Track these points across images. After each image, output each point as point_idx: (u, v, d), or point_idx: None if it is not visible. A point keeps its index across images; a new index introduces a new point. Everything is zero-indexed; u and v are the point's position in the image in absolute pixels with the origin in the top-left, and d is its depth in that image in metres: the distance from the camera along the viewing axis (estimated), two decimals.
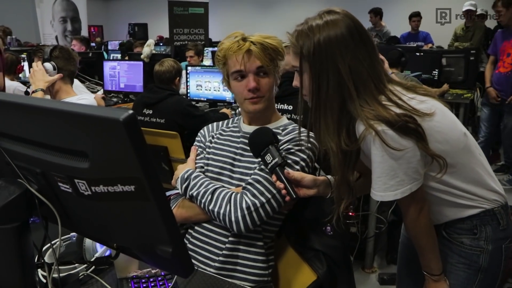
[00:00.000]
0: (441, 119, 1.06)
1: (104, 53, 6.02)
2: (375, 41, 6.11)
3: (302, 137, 1.24)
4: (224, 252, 1.22)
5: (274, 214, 1.21)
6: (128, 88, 3.90)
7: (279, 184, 1.11)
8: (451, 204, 1.12)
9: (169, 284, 0.98)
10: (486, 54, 4.41)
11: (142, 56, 4.26)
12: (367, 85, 1.02)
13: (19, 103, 0.67)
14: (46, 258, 1.01)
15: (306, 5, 9.86)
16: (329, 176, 1.20)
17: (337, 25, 1.02)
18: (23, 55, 4.46)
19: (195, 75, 3.56)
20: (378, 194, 1.05)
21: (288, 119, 1.40)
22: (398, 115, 0.99)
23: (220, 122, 1.43)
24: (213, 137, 1.37)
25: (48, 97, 2.05)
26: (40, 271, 0.94)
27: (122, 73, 3.91)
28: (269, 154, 1.11)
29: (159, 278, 0.98)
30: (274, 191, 1.18)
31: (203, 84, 3.53)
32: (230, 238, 1.22)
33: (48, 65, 1.99)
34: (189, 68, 3.61)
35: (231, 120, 1.43)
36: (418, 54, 4.30)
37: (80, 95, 2.19)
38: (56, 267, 0.74)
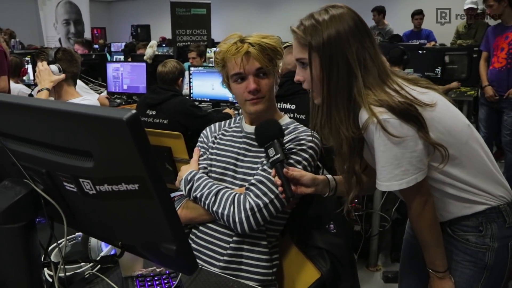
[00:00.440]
0: (443, 110, 1.07)
1: (107, 55, 6.05)
2: (378, 39, 6.10)
3: (304, 136, 1.24)
4: (228, 251, 1.23)
5: (278, 213, 1.22)
6: (131, 89, 3.93)
7: (277, 180, 1.12)
8: (456, 199, 1.11)
9: (174, 283, 0.99)
10: None
11: (145, 58, 4.27)
12: (372, 72, 1.05)
13: (24, 105, 0.69)
14: (52, 258, 1.02)
15: (308, 5, 9.85)
16: (329, 176, 1.20)
17: (344, 18, 1.05)
18: (27, 58, 4.49)
19: (198, 76, 3.58)
20: (383, 184, 1.05)
21: (291, 118, 1.40)
22: (400, 101, 1.01)
23: (223, 122, 1.44)
24: (215, 138, 1.38)
25: (52, 98, 2.07)
26: (46, 270, 0.96)
27: (125, 75, 3.93)
28: (272, 148, 1.12)
29: (163, 277, 0.99)
30: (277, 192, 1.18)
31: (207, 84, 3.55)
32: (234, 238, 1.23)
33: (54, 67, 2.01)
34: (191, 68, 3.63)
35: (233, 120, 1.43)
36: (420, 52, 4.29)
37: (84, 96, 2.21)
38: (62, 266, 0.75)
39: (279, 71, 1.32)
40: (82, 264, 1.02)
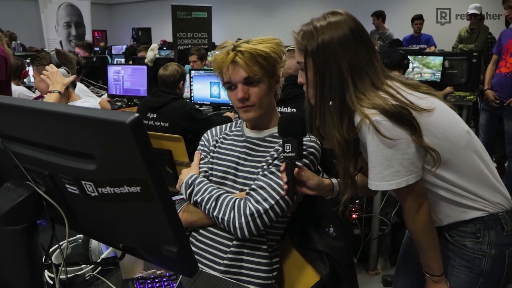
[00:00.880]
0: (441, 115, 1.07)
1: (108, 58, 6.07)
2: (378, 44, 6.11)
3: (305, 142, 1.25)
4: (228, 255, 1.23)
5: (278, 218, 1.22)
6: (132, 92, 3.93)
7: (283, 176, 1.13)
8: (452, 203, 1.11)
9: (174, 285, 0.99)
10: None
11: (146, 61, 4.29)
12: (365, 79, 1.07)
13: (27, 107, 0.69)
14: (53, 259, 1.02)
15: (308, 8, 9.88)
16: (334, 181, 1.21)
17: (340, 26, 1.07)
18: (28, 60, 4.50)
19: (199, 79, 3.59)
20: (374, 183, 1.07)
21: None
22: (394, 105, 1.02)
23: (224, 126, 1.44)
24: (217, 142, 1.38)
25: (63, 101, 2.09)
26: (46, 272, 0.96)
27: (126, 77, 3.94)
28: (290, 144, 1.12)
29: (164, 279, 1.00)
30: (278, 197, 1.19)
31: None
32: (235, 242, 1.23)
33: (62, 70, 2.00)
34: (192, 72, 3.64)
35: (234, 123, 1.44)
36: (420, 56, 4.31)
37: (84, 99, 2.20)
38: (63, 268, 0.76)
39: (280, 75, 1.31)
40: (82, 266, 1.02)
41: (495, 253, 1.12)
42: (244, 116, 1.29)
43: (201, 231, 1.30)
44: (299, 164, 1.16)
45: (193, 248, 1.29)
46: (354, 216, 2.43)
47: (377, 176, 1.05)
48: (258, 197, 1.18)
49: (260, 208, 1.17)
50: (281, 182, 1.16)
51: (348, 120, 1.09)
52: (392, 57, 3.78)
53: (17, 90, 3.42)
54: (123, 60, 6.00)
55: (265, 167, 1.24)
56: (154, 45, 4.50)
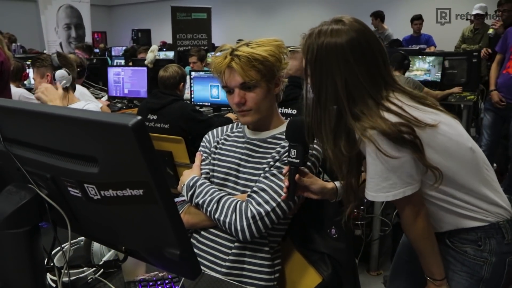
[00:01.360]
0: (445, 132, 1.06)
1: (108, 59, 6.07)
2: None
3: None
4: (230, 257, 1.23)
5: (280, 220, 1.22)
6: (132, 93, 3.94)
7: (285, 180, 1.13)
8: (454, 213, 1.12)
9: (176, 287, 0.99)
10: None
11: (146, 62, 4.29)
12: (364, 97, 1.05)
13: (29, 110, 0.69)
14: (55, 261, 1.02)
15: (308, 9, 9.90)
16: (337, 184, 1.21)
17: (340, 42, 1.04)
18: (28, 62, 4.50)
19: (199, 80, 3.59)
20: (370, 194, 1.08)
21: None
22: (394, 124, 1.00)
23: (225, 127, 1.44)
24: (218, 143, 1.38)
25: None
26: (49, 275, 0.96)
27: (126, 79, 3.94)
28: (296, 150, 1.11)
29: (166, 281, 1.00)
30: (279, 200, 1.18)
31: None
32: (236, 244, 1.23)
33: (62, 72, 2.00)
34: (192, 73, 3.64)
35: (235, 124, 1.43)
36: (420, 56, 4.31)
37: (85, 102, 2.19)
38: (66, 270, 0.76)
39: (281, 78, 1.30)
40: (85, 268, 1.02)
41: (495, 261, 1.12)
42: (242, 120, 1.30)
43: (202, 233, 1.30)
44: (302, 169, 1.16)
45: (195, 250, 1.29)
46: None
47: (374, 188, 1.06)
48: (260, 200, 1.18)
49: (261, 210, 1.17)
50: (283, 185, 1.16)
51: (346, 136, 1.08)
52: (393, 58, 3.79)
53: (17, 92, 3.42)
54: (123, 62, 6.00)
55: (266, 169, 1.24)
56: (154, 47, 4.51)
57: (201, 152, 1.39)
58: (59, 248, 0.79)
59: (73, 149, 0.65)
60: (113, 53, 8.09)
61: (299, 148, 1.11)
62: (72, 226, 0.74)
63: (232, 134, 1.39)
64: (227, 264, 1.22)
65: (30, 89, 4.11)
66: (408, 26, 6.16)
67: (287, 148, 1.14)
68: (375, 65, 1.07)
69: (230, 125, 1.44)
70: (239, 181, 1.28)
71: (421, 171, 1.04)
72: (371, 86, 1.05)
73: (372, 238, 2.49)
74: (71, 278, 0.97)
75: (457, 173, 1.07)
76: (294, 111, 2.22)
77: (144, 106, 2.75)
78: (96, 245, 1.07)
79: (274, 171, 1.22)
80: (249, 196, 1.21)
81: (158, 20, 11.39)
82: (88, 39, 7.54)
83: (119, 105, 3.91)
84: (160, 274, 1.01)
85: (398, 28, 6.71)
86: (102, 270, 1.02)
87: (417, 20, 6.02)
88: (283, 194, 1.16)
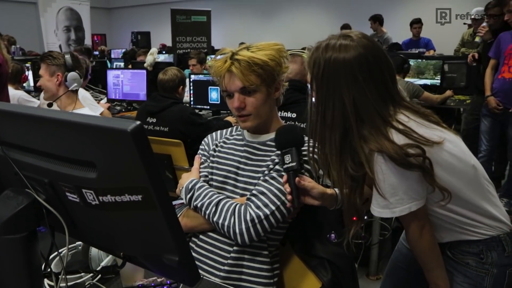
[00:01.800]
0: (450, 149, 1.06)
1: (107, 62, 6.07)
2: None
3: (306, 147, 1.24)
4: (229, 261, 1.22)
5: (279, 224, 1.21)
6: (131, 96, 3.93)
7: (286, 187, 1.12)
8: (456, 227, 1.13)
9: None
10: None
11: (145, 65, 4.29)
12: (373, 118, 1.03)
13: (27, 114, 0.68)
14: (52, 267, 1.01)
15: (307, 12, 9.93)
16: (337, 190, 1.20)
17: (348, 59, 1.02)
18: (28, 64, 4.50)
19: (198, 83, 3.59)
20: (377, 210, 1.08)
21: None
22: (401, 147, 0.99)
23: (224, 130, 1.43)
24: (216, 146, 1.37)
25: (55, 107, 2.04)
26: (46, 281, 0.95)
27: (125, 82, 3.94)
28: (289, 155, 1.11)
29: (164, 287, 0.99)
30: (279, 203, 1.18)
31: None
32: (235, 247, 1.22)
33: (75, 74, 1.95)
34: (192, 76, 3.64)
35: (234, 128, 1.43)
36: (420, 60, 4.32)
37: (87, 108, 2.13)
38: (63, 276, 0.75)
39: (281, 82, 1.29)
40: (82, 274, 1.01)
41: (496, 272, 1.13)
42: (242, 125, 1.29)
43: (201, 236, 1.29)
44: (302, 173, 1.15)
45: (193, 254, 1.28)
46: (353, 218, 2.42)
47: (380, 204, 1.06)
48: (259, 203, 1.18)
49: (260, 214, 1.16)
50: (282, 188, 1.16)
51: (352, 156, 1.06)
52: (393, 61, 3.78)
53: (16, 94, 3.42)
54: (122, 64, 6.00)
55: (266, 172, 1.23)
56: (154, 49, 4.50)
57: (200, 155, 1.39)
58: (56, 253, 0.78)
59: (71, 154, 0.65)
60: (112, 56, 8.09)
61: (292, 151, 1.11)
62: (70, 231, 0.73)
63: (231, 137, 1.39)
64: (226, 268, 1.21)
65: (29, 92, 4.11)
66: (408, 30, 6.18)
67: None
68: (383, 82, 1.05)
69: (229, 129, 1.44)
70: (238, 184, 1.28)
71: (428, 187, 1.05)
72: (379, 104, 1.03)
73: (372, 242, 2.48)
74: (69, 284, 0.96)
75: (461, 190, 1.07)
76: (294, 115, 2.21)
77: (143, 109, 2.75)
78: (94, 250, 1.06)
79: (274, 174, 1.21)
80: (248, 199, 1.20)
81: (158, 23, 11.40)
82: (88, 41, 7.56)
83: (118, 108, 3.90)
84: (159, 280, 1.01)
85: (397, 31, 6.73)
86: (100, 275, 1.01)
87: (416, 24, 6.03)
88: (283, 198, 1.15)
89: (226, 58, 1.23)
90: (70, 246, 1.11)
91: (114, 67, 5.83)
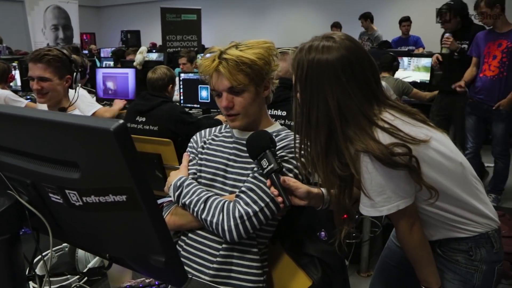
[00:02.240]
0: (437, 147, 1.07)
1: (97, 61, 6.01)
2: (367, 46, 6.13)
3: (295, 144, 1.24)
4: (218, 259, 1.21)
5: (268, 221, 1.21)
6: (120, 95, 3.89)
7: (273, 190, 1.11)
8: (445, 225, 1.14)
9: None
10: None
11: (134, 64, 4.25)
12: (357, 118, 1.03)
13: (8, 114, 0.67)
14: (38, 270, 0.99)
15: (298, 10, 9.93)
16: (324, 190, 1.20)
17: (330, 53, 1.03)
18: (14, 64, 4.44)
19: (188, 82, 3.56)
20: (365, 209, 1.08)
21: (282, 125, 1.39)
22: (387, 147, 0.99)
23: (213, 128, 1.42)
24: (205, 143, 1.37)
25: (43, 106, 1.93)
26: (31, 284, 0.93)
27: (114, 81, 3.90)
28: (265, 159, 1.11)
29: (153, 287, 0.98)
30: (268, 200, 1.17)
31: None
32: (224, 245, 1.21)
33: (78, 75, 1.85)
34: (182, 74, 3.62)
35: (224, 125, 1.42)
36: (409, 58, 4.34)
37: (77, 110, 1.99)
38: (47, 279, 0.73)
39: (270, 81, 1.28)
40: (68, 276, 0.99)
41: (485, 269, 1.14)
42: (231, 125, 1.29)
43: (190, 235, 1.28)
44: (283, 173, 1.15)
45: (183, 253, 1.28)
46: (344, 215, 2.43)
47: (368, 202, 1.06)
48: (248, 200, 1.17)
49: (249, 210, 1.16)
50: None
51: (338, 156, 1.07)
52: (383, 59, 3.81)
53: (2, 94, 3.37)
54: (112, 63, 5.95)
55: (255, 169, 1.23)
56: (143, 48, 4.47)
57: (188, 153, 1.38)
58: (40, 256, 0.76)
59: (53, 154, 0.63)
60: (102, 55, 8.02)
61: (266, 155, 1.11)
62: (54, 233, 0.72)
63: (219, 135, 1.38)
64: (215, 266, 1.21)
65: (16, 91, 4.04)
66: (397, 28, 6.21)
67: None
68: (366, 82, 1.06)
69: (218, 126, 1.43)
70: (227, 181, 1.27)
71: (416, 186, 1.05)
72: (363, 104, 1.04)
73: (362, 239, 2.49)
74: (55, 286, 0.94)
75: (449, 187, 1.08)
76: (284, 113, 2.21)
77: (133, 108, 2.73)
78: (81, 252, 1.04)
79: None
80: (237, 196, 1.20)
81: (148, 21, 11.33)
82: (76, 40, 7.47)
83: (107, 107, 3.86)
84: (147, 281, 0.99)
85: (387, 29, 6.77)
86: (86, 278, 0.99)
87: (405, 22, 6.07)
88: (271, 195, 1.14)
89: (214, 57, 1.22)
90: (56, 248, 1.10)
91: (104, 66, 5.77)
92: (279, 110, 2.22)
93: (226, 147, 1.32)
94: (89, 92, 4.19)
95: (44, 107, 1.90)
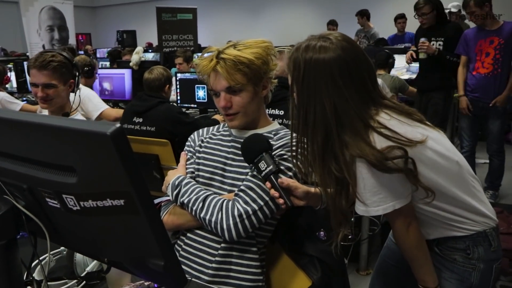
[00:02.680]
0: (433, 146, 1.07)
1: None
2: (364, 43, 6.11)
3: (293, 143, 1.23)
4: (217, 258, 1.21)
5: (267, 220, 1.20)
6: (117, 96, 3.88)
7: (273, 192, 1.10)
8: (443, 224, 1.13)
9: None
10: None
11: (131, 64, 4.23)
12: (353, 122, 1.03)
13: (3, 118, 0.66)
14: (35, 274, 0.98)
15: (295, 8, 9.92)
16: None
17: (327, 53, 1.02)
18: (10, 65, 4.41)
19: (185, 81, 3.55)
20: (361, 208, 1.08)
21: (279, 124, 1.39)
22: (382, 152, 0.99)
23: (211, 127, 1.42)
24: (202, 141, 1.36)
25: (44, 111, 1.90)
26: None
27: (111, 81, 3.89)
28: (263, 161, 1.10)
29: None
30: (267, 198, 1.17)
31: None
32: (223, 244, 1.21)
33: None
34: (178, 74, 3.60)
35: (222, 125, 1.42)
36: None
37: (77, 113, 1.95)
38: (45, 284, 0.73)
39: (269, 80, 1.28)
40: (66, 280, 0.98)
41: (483, 267, 1.14)
42: (229, 124, 1.29)
43: (188, 234, 1.27)
44: (283, 173, 1.15)
45: (182, 252, 1.27)
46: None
47: (364, 202, 1.06)
48: (247, 198, 1.16)
49: (248, 209, 1.15)
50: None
51: (335, 158, 1.06)
52: (378, 56, 3.82)
53: None
54: (108, 64, 5.92)
55: (255, 169, 1.22)
56: (139, 48, 4.45)
57: (186, 152, 1.37)
58: (40, 258, 0.76)
59: (50, 158, 0.63)
60: (98, 55, 7.99)
61: (263, 157, 1.11)
62: (51, 237, 0.71)
63: (217, 133, 1.37)
64: (214, 265, 1.20)
65: (12, 93, 4.02)
66: (393, 25, 6.21)
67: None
68: (363, 84, 1.05)
69: (216, 126, 1.42)
70: (225, 180, 1.26)
71: (412, 186, 1.05)
72: (359, 107, 1.03)
73: (361, 237, 2.49)
74: None
75: (446, 186, 1.08)
76: (282, 112, 2.20)
77: (129, 109, 2.71)
78: (79, 255, 1.03)
79: None
80: (236, 194, 1.19)
81: (144, 21, 11.29)
82: (72, 41, 7.42)
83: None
84: (146, 283, 0.99)
85: (383, 27, 6.77)
86: (84, 282, 0.98)
87: (400, 19, 6.07)
88: (271, 193, 1.14)
89: (212, 57, 1.21)
90: (53, 251, 1.09)
91: (100, 66, 5.75)
92: (276, 109, 2.21)
93: (224, 146, 1.32)
94: None
95: (45, 111, 1.86)
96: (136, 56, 4.25)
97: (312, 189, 1.16)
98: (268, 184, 1.11)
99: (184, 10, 7.06)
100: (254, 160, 1.12)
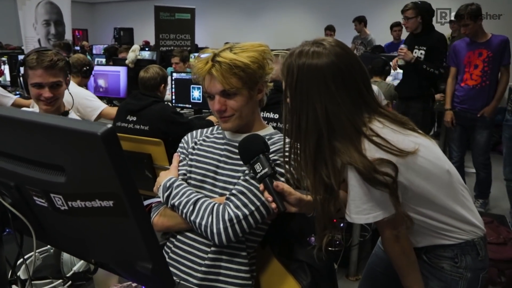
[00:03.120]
0: (425, 154, 1.07)
1: (89, 57, 5.94)
2: (360, 50, 6.13)
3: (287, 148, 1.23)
4: (206, 262, 1.20)
5: (258, 225, 1.20)
6: (112, 93, 3.86)
7: (267, 195, 1.10)
8: (431, 232, 1.14)
9: None
10: None
11: (126, 62, 4.22)
12: (345, 128, 1.03)
13: None
14: (21, 273, 0.97)
15: (293, 12, 9.94)
16: None
17: (320, 59, 1.03)
18: (4, 58, 4.37)
19: (180, 81, 3.54)
20: (351, 215, 1.08)
21: (274, 127, 1.38)
22: (371, 162, 0.99)
23: (205, 129, 1.41)
24: (195, 144, 1.35)
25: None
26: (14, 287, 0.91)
27: (106, 78, 3.86)
28: (259, 163, 1.10)
29: None
30: (258, 203, 1.16)
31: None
32: (213, 248, 1.20)
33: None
34: (174, 74, 3.59)
35: (216, 127, 1.41)
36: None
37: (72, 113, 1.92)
38: (29, 284, 0.72)
39: (264, 84, 1.28)
40: (52, 280, 0.97)
41: (470, 276, 1.15)
42: (223, 126, 1.28)
43: (178, 237, 1.27)
44: (277, 177, 1.15)
45: (171, 255, 1.26)
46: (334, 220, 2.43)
47: (354, 210, 1.06)
48: (238, 203, 1.16)
49: (239, 213, 1.14)
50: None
51: (325, 163, 1.07)
52: (374, 63, 3.84)
53: None
54: (104, 61, 5.89)
55: (246, 171, 1.22)
56: (136, 46, 4.43)
57: (179, 153, 1.36)
58: (26, 257, 0.74)
59: (38, 157, 0.62)
60: (94, 52, 7.94)
61: (260, 159, 1.10)
62: (38, 236, 0.70)
63: (211, 136, 1.37)
64: (203, 269, 1.19)
65: (5, 86, 3.98)
66: (389, 33, 6.24)
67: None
68: (356, 90, 1.06)
69: (210, 128, 1.42)
70: (217, 183, 1.26)
71: (401, 193, 1.05)
72: (352, 112, 1.04)
73: (352, 243, 2.49)
74: None
75: (435, 195, 1.09)
76: (276, 116, 2.20)
77: (124, 107, 2.69)
78: (66, 255, 1.02)
79: None
80: (227, 198, 1.19)
81: (141, 19, 11.25)
82: (68, 36, 7.37)
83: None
84: (134, 285, 0.98)
85: (380, 34, 6.80)
86: (70, 282, 0.97)
87: (396, 27, 6.10)
88: (263, 198, 1.14)
89: (207, 59, 1.21)
90: (40, 250, 1.07)
91: (96, 63, 5.71)
92: (271, 113, 2.21)
93: (217, 148, 1.31)
94: None
95: (36, 107, 1.83)
96: (133, 54, 4.23)
97: (305, 197, 1.16)
98: (261, 186, 1.11)
99: (182, 9, 7.05)
100: (250, 161, 1.12)
